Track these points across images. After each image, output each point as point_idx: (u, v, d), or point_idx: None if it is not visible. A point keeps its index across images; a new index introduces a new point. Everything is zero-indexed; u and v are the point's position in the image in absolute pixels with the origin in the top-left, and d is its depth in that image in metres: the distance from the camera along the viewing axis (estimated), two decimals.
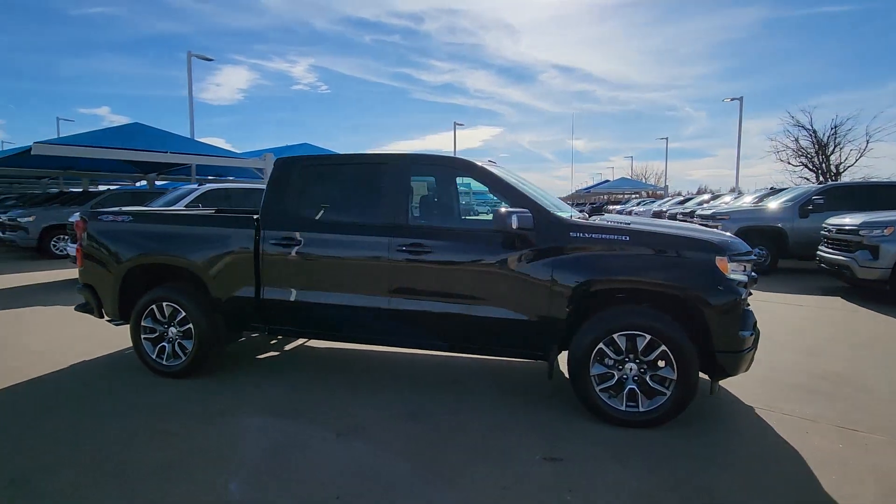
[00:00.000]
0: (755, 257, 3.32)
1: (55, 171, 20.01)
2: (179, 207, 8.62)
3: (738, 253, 3.11)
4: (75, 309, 4.44)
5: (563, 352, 3.36)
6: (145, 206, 9.78)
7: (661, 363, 3.05)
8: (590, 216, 3.70)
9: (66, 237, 11.76)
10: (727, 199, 16.04)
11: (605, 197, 40.92)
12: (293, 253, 3.64)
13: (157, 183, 19.04)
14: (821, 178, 24.97)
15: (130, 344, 4.08)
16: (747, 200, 12.62)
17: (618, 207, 27.61)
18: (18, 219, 12.45)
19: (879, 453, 2.82)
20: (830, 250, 7.49)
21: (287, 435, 3.04)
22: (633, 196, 34.09)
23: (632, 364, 3.09)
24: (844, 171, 25.65)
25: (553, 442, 2.96)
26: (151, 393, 3.67)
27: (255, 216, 3.80)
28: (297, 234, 3.63)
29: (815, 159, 26.20)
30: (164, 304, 3.91)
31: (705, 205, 14.97)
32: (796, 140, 26.66)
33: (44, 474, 2.60)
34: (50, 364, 4.26)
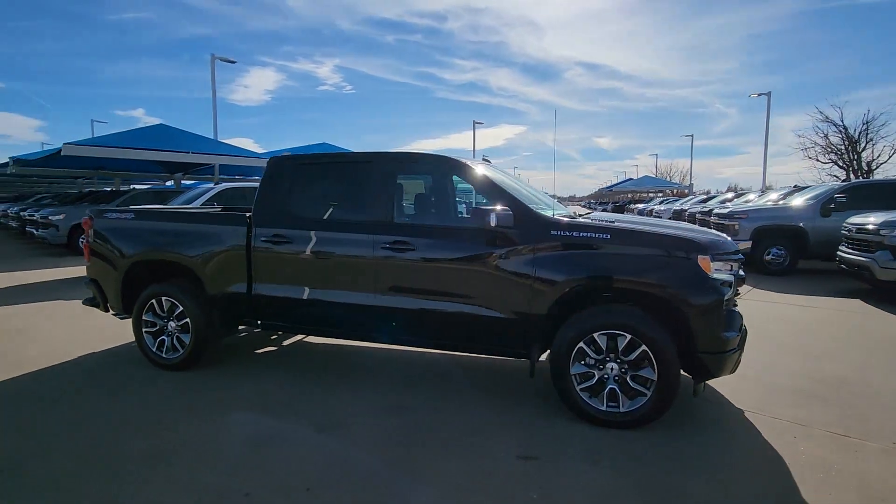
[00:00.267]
0: (742, 256, 3.23)
1: (88, 171, 20.87)
2: (196, 205, 8.86)
3: (723, 252, 3.04)
4: (83, 303, 4.63)
5: (547, 351, 3.35)
6: (166, 204, 10.09)
7: (642, 363, 3.00)
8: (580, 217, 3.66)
9: None
10: (752, 197, 15.57)
11: (630, 195, 40.23)
12: (282, 250, 3.72)
13: (184, 182, 19.64)
14: (851, 176, 23.98)
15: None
16: (772, 198, 12.22)
17: (640, 206, 27.09)
18: (50, 217, 13.00)
19: (868, 461, 2.72)
20: (850, 250, 7.21)
21: (270, 428, 3.12)
22: (657, 195, 33.38)
23: (613, 364, 3.05)
24: (877, 168, 24.58)
25: (531, 440, 2.95)
26: (149, 385, 3.80)
27: (248, 214, 3.90)
28: (286, 232, 3.71)
29: (846, 156, 25.17)
30: (163, 298, 4.05)
31: (724, 203, 14.57)
32: (825, 136, 25.69)
33: (35, 460, 2.73)
34: (61, 355, 4.46)
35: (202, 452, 2.82)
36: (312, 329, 3.97)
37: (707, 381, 3.72)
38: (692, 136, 33.70)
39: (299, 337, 5.06)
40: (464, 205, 5.41)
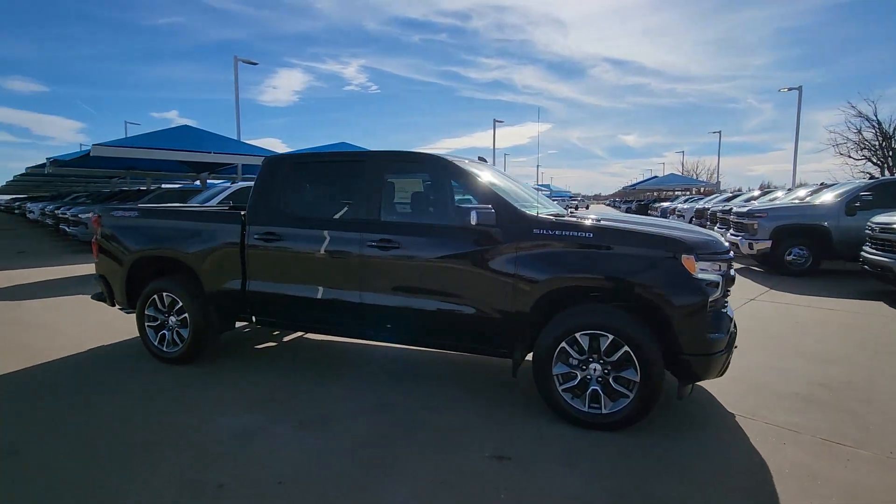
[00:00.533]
0: (731, 256, 3.13)
1: (121, 171, 21.66)
2: (212, 204, 9.10)
3: (710, 252, 2.95)
4: (91, 297, 4.82)
5: (531, 351, 3.32)
6: (186, 202, 10.38)
7: (625, 365, 2.95)
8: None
9: None
10: (779, 195, 15.03)
11: (654, 194, 39.40)
12: (274, 247, 3.79)
13: (210, 182, 20.18)
14: (885, 173, 22.88)
15: None
16: (799, 196, 11.78)
17: (665, 205, 26.50)
18: (79, 215, 13.54)
19: (858, 470, 2.61)
20: (874, 250, 6.90)
21: (256, 422, 3.18)
22: (683, 193, 32.57)
23: (596, 365, 3.01)
24: None
25: (509, 440, 2.93)
26: (148, 378, 3.93)
27: (243, 212, 3.98)
28: (278, 230, 3.77)
29: (880, 152, 24.03)
30: (164, 294, 4.17)
31: (749, 201, 14.10)
32: (858, 132, 24.56)
33: (33, 448, 2.86)
34: (73, 347, 4.65)
35: (188, 445, 2.90)
36: (304, 326, 4.04)
37: (697, 383, 3.65)
38: (720, 132, 32.72)
39: (299, 333, 5.14)
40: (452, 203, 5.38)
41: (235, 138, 18.95)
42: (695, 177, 48.96)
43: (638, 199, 39.01)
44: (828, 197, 9.18)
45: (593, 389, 3.01)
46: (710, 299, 2.84)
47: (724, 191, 27.43)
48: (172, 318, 4.19)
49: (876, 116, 23.78)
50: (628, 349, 2.89)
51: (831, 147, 25.51)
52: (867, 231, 7.18)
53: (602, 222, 3.17)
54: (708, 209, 15.29)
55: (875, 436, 2.98)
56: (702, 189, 36.96)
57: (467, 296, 3.27)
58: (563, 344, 3.03)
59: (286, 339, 5.03)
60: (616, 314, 2.93)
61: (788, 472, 2.58)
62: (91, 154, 12.85)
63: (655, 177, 39.64)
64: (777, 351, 4.57)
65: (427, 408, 3.39)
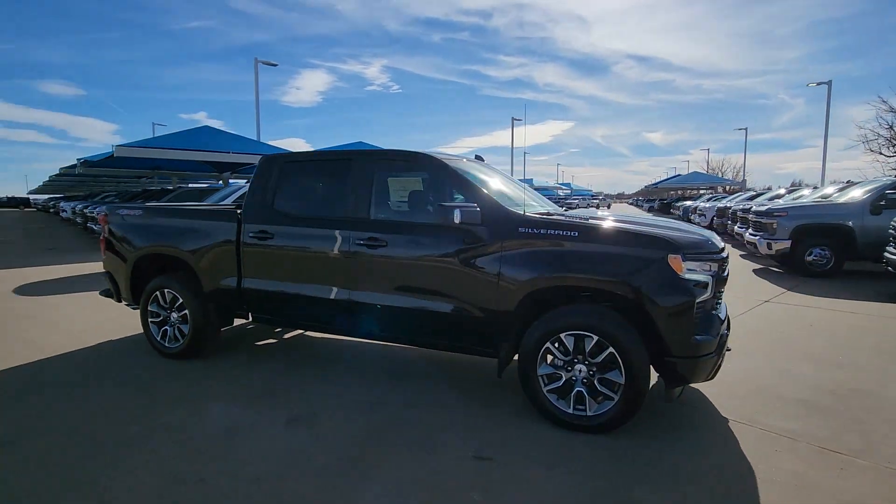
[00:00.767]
0: (723, 256, 3.03)
1: (146, 171, 22.29)
2: (226, 203, 9.28)
3: (699, 252, 2.87)
4: (99, 294, 4.97)
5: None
6: (202, 201, 10.62)
7: (610, 366, 2.89)
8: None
9: None
10: (806, 193, 14.53)
11: (678, 192, 38.57)
12: (268, 245, 3.83)
13: (231, 181, 20.59)
14: None
15: None
16: (826, 194, 11.35)
17: (687, 203, 25.91)
18: None
19: (852, 480, 2.50)
20: None
21: (245, 418, 3.23)
22: (707, 191, 31.75)
23: (581, 366, 2.96)
24: None
25: (492, 440, 2.91)
26: (148, 372, 4.03)
27: (240, 210, 4.05)
28: (271, 228, 3.82)
29: None
30: (166, 290, 4.27)
31: (773, 200, 13.65)
32: (890, 127, 23.49)
33: (31, 438, 2.96)
34: (81, 342, 4.80)
35: (177, 439, 2.96)
36: (297, 323, 4.08)
37: (695, 386, 3.55)
38: (746, 129, 31.78)
39: (299, 330, 5.20)
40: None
41: (255, 138, 19.32)
42: (720, 175, 47.71)
43: (661, 197, 38.26)
44: (852, 195, 8.84)
45: (578, 391, 2.96)
46: (697, 300, 2.76)
47: (750, 189, 26.66)
48: (174, 315, 4.29)
49: None
50: (613, 350, 2.83)
51: (861, 144, 24.39)
52: (891, 231, 6.88)
53: (590, 221, 3.11)
54: (729, 208, 14.87)
55: (877, 445, 2.85)
56: (727, 188, 36.01)
57: (453, 295, 3.25)
58: (548, 344, 2.99)
59: (287, 336, 5.10)
60: (600, 315, 2.87)
61: (776, 480, 2.49)
62: (114, 155, 13.25)
63: (679, 175, 38.76)
64: (785, 354, 4.42)
65: (415, 406, 3.39)
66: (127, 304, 4.72)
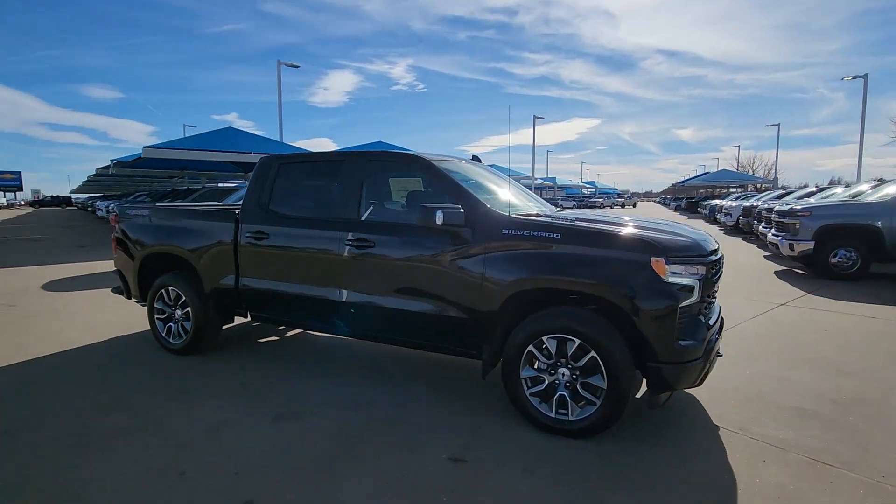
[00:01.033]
0: (711, 259, 2.94)
1: (175, 171, 22.99)
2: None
3: (684, 254, 2.79)
4: (111, 291, 5.16)
5: None
6: (221, 201, 10.89)
7: (593, 370, 2.84)
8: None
9: None
10: (838, 191, 13.94)
11: (706, 190, 37.54)
12: (263, 245, 3.91)
13: None
14: None
15: None
16: (859, 191, 10.87)
17: (715, 202, 25.20)
18: None
19: (839, 493, 2.40)
20: None
21: (235, 413, 3.31)
22: (737, 189, 30.79)
23: (564, 369, 2.92)
24: None
25: (471, 442, 2.90)
26: (149, 367, 4.16)
27: (238, 211, 4.14)
28: (266, 228, 3.90)
29: None
30: (170, 288, 4.41)
31: (802, 199, 13.15)
32: None
33: (28, 430, 3.09)
34: (94, 336, 5.00)
35: (165, 433, 3.05)
36: (291, 322, 4.15)
37: (684, 392, 3.47)
38: (778, 125, 30.67)
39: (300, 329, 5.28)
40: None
41: (278, 139, 19.70)
42: (751, 172, 46.17)
43: (688, 196, 37.31)
44: (885, 192, 8.43)
45: (560, 395, 2.92)
46: (681, 305, 2.69)
47: (782, 188, 25.77)
48: (178, 312, 4.42)
49: None
50: (595, 354, 2.79)
51: None
52: None
53: (575, 223, 3.07)
54: (755, 207, 14.39)
55: (872, 457, 2.72)
56: (758, 186, 34.83)
57: (438, 296, 3.25)
58: (531, 347, 2.96)
59: (289, 334, 5.19)
60: (583, 318, 2.83)
61: (758, 491, 2.41)
62: (142, 156, 13.73)
63: (707, 173, 37.67)
64: (789, 360, 4.26)
65: (401, 406, 3.41)
66: (136, 301, 4.89)
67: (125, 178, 33.44)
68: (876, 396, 3.51)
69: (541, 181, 38.22)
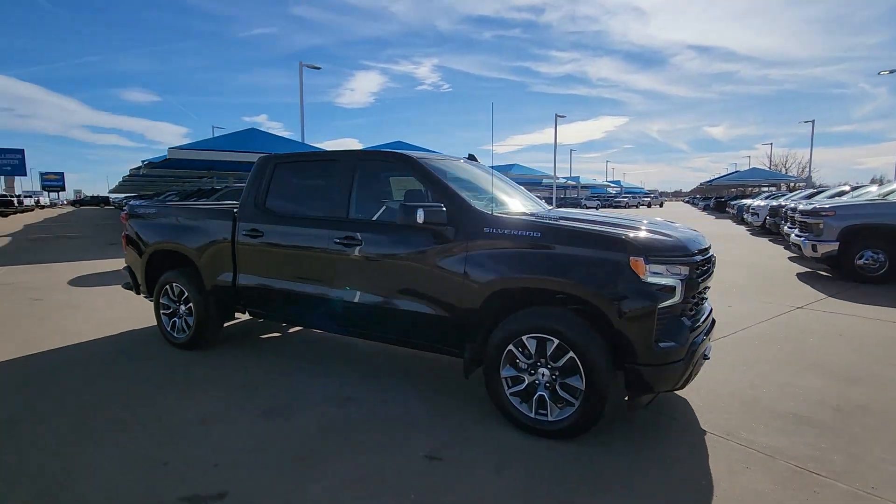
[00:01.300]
0: (696, 260, 2.85)
1: (202, 171, 23.64)
2: None
3: (665, 254, 2.72)
4: (122, 286, 5.35)
5: None
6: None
7: (572, 371, 2.80)
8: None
9: None
10: (872, 189, 13.32)
11: (741, 190, 36.43)
12: (257, 243, 4.00)
13: None
14: None
15: None
16: (893, 189, 10.36)
17: (744, 201, 24.43)
18: None
19: (822, 502, 2.30)
20: None
21: (225, 407, 3.39)
22: (769, 188, 29.73)
23: (544, 370, 2.89)
24: None
25: (448, 440, 2.90)
26: (153, 361, 4.30)
27: (236, 209, 4.24)
28: (260, 226, 3.98)
29: None
30: (174, 284, 4.55)
31: (833, 198, 12.60)
32: None
33: (31, 421, 3.22)
34: (107, 330, 5.20)
35: (156, 425, 3.15)
36: (286, 318, 4.23)
37: (675, 395, 3.39)
38: (812, 121, 29.45)
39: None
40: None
41: (300, 139, 20.06)
42: (783, 171, 44.54)
43: (717, 195, 36.27)
44: None
45: (540, 395, 2.89)
46: (660, 305, 2.63)
47: (822, 186, 24.76)
48: (182, 307, 4.56)
49: None
50: (573, 355, 2.75)
51: None
52: None
53: (558, 222, 3.03)
54: (783, 207, 13.88)
55: (864, 467, 2.60)
56: (791, 185, 33.55)
57: (422, 294, 3.26)
58: (511, 347, 2.94)
59: (290, 331, 5.28)
60: (561, 318, 2.79)
61: (736, 499, 2.34)
62: (168, 157, 14.19)
63: (737, 171, 36.49)
64: (795, 365, 4.10)
65: (384, 403, 3.43)
66: (144, 296, 5.06)
67: (157, 179, 34.62)
68: (881, 405, 3.35)
69: (563, 180, 37.76)
